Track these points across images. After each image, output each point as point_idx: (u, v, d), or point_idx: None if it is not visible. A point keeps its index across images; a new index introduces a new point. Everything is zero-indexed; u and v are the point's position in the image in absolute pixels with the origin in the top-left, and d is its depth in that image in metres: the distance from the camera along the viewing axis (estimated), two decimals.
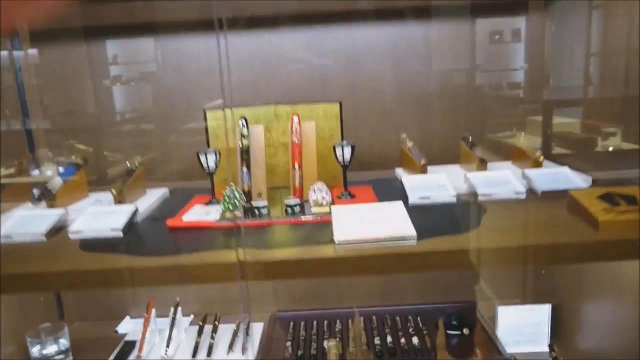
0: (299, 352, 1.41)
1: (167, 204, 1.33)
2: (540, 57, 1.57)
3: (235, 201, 1.11)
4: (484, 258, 0.88)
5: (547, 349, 1.38)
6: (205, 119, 1.31)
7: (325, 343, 1.30)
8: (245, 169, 1.22)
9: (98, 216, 1.14)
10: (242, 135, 1.23)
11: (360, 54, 1.57)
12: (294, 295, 1.74)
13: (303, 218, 1.10)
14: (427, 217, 1.08)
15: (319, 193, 1.11)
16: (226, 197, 1.12)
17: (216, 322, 1.58)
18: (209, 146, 1.31)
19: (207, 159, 1.22)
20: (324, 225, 1.04)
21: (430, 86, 1.58)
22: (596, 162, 1.44)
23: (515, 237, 0.91)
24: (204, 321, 1.60)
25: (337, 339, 1.31)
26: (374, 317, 1.57)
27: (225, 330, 1.57)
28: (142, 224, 1.16)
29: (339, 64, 1.57)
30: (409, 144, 1.40)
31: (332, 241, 0.93)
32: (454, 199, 1.17)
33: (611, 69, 1.36)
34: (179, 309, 1.58)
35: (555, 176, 1.23)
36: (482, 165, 1.31)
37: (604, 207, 0.98)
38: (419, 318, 1.56)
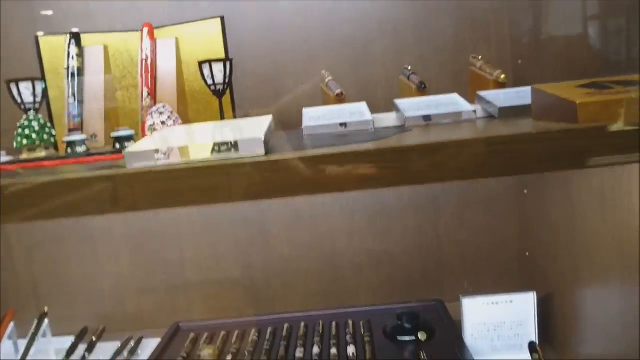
0: None
1: None
2: None
3: (33, 134, 0.74)
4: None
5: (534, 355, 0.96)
6: (37, 46, 0.96)
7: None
8: (72, 100, 0.85)
9: None
10: (70, 56, 0.87)
11: None
12: (215, 303, 1.34)
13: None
14: (317, 142, 0.71)
15: (157, 117, 0.74)
16: (19, 130, 0.75)
17: (93, 338, 1.18)
18: (44, 79, 0.95)
19: (19, 90, 0.86)
20: None
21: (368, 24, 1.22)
22: None
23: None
24: (80, 338, 1.20)
25: (216, 347, 0.90)
26: (302, 324, 1.16)
27: (107, 349, 1.18)
28: None
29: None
30: (327, 79, 1.03)
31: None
32: (369, 126, 0.79)
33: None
34: (46, 321, 1.20)
35: (521, 94, 0.85)
36: (421, 89, 0.93)
37: (587, 91, 0.59)
38: (362, 323, 1.15)
